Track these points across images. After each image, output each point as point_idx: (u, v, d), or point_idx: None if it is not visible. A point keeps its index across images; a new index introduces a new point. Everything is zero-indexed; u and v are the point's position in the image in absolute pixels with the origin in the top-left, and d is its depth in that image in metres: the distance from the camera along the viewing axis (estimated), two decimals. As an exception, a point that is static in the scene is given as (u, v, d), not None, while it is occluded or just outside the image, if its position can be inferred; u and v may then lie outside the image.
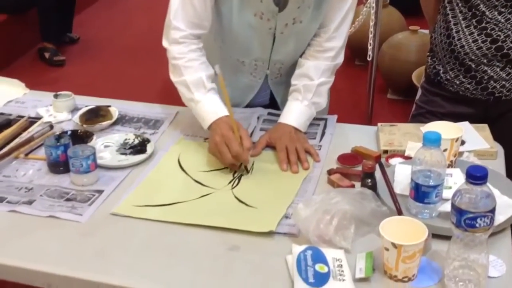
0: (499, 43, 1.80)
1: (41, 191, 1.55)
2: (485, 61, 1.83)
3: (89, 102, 1.96)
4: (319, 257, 1.27)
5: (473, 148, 1.65)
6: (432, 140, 1.32)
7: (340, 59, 1.80)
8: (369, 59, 3.19)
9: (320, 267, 1.24)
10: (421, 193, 1.35)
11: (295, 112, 1.75)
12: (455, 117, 1.72)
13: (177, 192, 1.54)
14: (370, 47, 3.15)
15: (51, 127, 1.83)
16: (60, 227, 1.44)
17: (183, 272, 1.30)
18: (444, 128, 1.48)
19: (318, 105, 1.78)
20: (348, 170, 1.60)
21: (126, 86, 3.90)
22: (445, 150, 1.46)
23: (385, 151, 1.67)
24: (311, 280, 1.21)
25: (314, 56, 1.77)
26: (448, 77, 1.92)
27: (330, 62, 1.77)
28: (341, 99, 3.79)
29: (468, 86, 1.89)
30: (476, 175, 1.14)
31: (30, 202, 1.51)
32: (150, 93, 3.71)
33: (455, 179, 1.44)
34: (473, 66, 1.85)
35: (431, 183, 1.34)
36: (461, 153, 1.60)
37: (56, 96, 1.94)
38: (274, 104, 1.96)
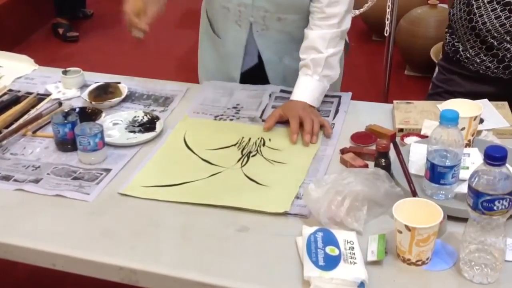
0: None
1: (48, 169, 1.53)
2: (508, 38, 1.76)
3: (98, 78, 1.93)
4: (330, 239, 1.23)
5: (492, 127, 1.60)
6: (450, 119, 1.27)
7: (346, 24, 1.73)
8: (386, 34, 3.12)
9: (331, 250, 1.21)
10: (437, 173, 1.30)
11: (307, 88, 1.70)
12: (475, 97, 1.66)
13: (186, 171, 1.51)
14: (387, 22, 3.08)
15: (60, 104, 1.81)
16: (67, 206, 1.42)
17: (191, 253, 1.27)
18: (462, 106, 1.43)
19: (330, 77, 1.73)
20: (361, 149, 1.55)
21: (140, 63, 3.86)
22: (462, 129, 1.40)
23: (401, 130, 1.63)
24: (321, 263, 1.17)
25: (318, 25, 1.70)
26: (468, 55, 1.85)
27: (336, 29, 1.70)
28: (357, 76, 3.73)
29: (490, 64, 1.82)
30: (495, 156, 1.09)
31: (37, 181, 1.49)
32: (164, 70, 3.67)
33: (473, 159, 1.39)
34: (495, 43, 1.78)
35: (448, 163, 1.29)
36: (479, 132, 1.55)
37: (65, 73, 1.91)
38: (261, 65, 1.88)
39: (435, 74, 2.02)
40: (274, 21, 1.77)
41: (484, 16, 1.77)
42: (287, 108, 1.68)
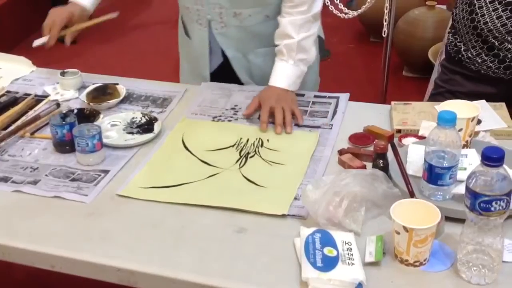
0: None
1: (46, 170, 1.53)
2: (509, 38, 1.76)
3: (96, 79, 1.93)
4: (328, 241, 1.23)
5: (490, 128, 1.60)
6: (447, 120, 1.27)
7: (316, 7, 1.74)
8: (384, 35, 3.13)
9: (329, 251, 1.21)
10: (434, 174, 1.30)
11: (283, 73, 1.74)
12: (476, 97, 1.66)
13: (184, 173, 1.51)
14: (385, 23, 3.09)
15: (58, 105, 1.81)
16: (65, 207, 1.42)
17: (189, 254, 1.27)
18: (460, 107, 1.43)
19: (306, 60, 1.75)
20: (359, 150, 1.55)
21: (138, 64, 3.87)
22: (460, 130, 1.41)
23: (399, 131, 1.63)
24: (319, 264, 1.18)
25: (289, 13, 1.73)
26: (470, 55, 1.85)
27: (306, 14, 1.72)
28: (355, 77, 3.74)
29: (491, 64, 1.82)
30: (492, 157, 1.09)
31: (35, 182, 1.49)
32: (162, 71, 3.67)
33: (470, 160, 1.39)
34: (497, 43, 1.79)
35: (445, 164, 1.29)
36: (477, 133, 1.55)
37: (63, 74, 1.91)
38: (228, 63, 1.90)
39: (437, 74, 2.03)
40: (231, 18, 1.80)
41: (486, 16, 1.77)
42: (262, 96, 1.73)
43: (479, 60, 1.84)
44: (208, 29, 1.85)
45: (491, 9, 1.75)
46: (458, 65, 1.91)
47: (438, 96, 1.96)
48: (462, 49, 1.88)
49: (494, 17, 1.75)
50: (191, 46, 1.96)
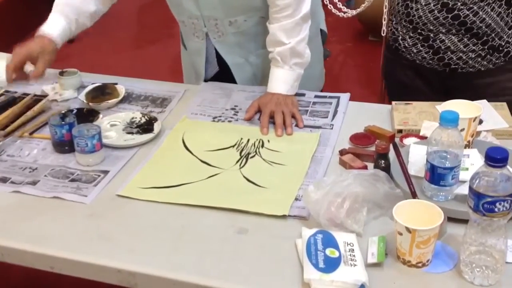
0: (456, 12, 1.73)
1: (45, 171, 1.52)
2: (443, 30, 1.77)
3: (95, 79, 1.92)
4: (329, 241, 1.23)
5: (491, 128, 1.59)
6: (450, 120, 1.27)
7: (304, 9, 1.71)
8: (383, 34, 3.11)
9: (331, 252, 1.20)
10: (436, 175, 1.29)
11: (280, 79, 1.74)
12: (414, 89, 1.67)
13: (184, 173, 1.50)
14: (384, 22, 3.07)
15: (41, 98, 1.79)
16: (65, 208, 1.41)
17: (190, 255, 1.26)
18: (462, 107, 1.42)
19: (301, 63, 1.75)
20: (360, 151, 1.55)
21: (137, 64, 3.86)
22: (462, 130, 1.40)
23: (400, 131, 1.62)
24: (321, 265, 1.17)
25: (275, 18, 1.71)
26: (406, 44, 1.86)
27: (294, 18, 1.70)
28: (354, 76, 3.73)
29: (425, 55, 1.83)
30: (496, 158, 1.09)
31: (34, 183, 1.48)
32: (161, 70, 3.67)
33: (472, 160, 1.39)
34: (431, 35, 1.79)
35: (448, 164, 1.28)
36: (478, 133, 1.54)
37: (61, 74, 1.90)
38: (225, 70, 1.90)
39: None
40: (227, 26, 1.80)
41: (420, 10, 1.77)
42: (262, 101, 1.73)
43: (415, 50, 1.84)
44: (206, 41, 1.85)
45: (423, 3, 1.75)
46: (395, 53, 1.92)
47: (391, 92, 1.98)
48: (400, 37, 1.88)
49: (427, 11, 1.75)
50: (186, 55, 1.98)
